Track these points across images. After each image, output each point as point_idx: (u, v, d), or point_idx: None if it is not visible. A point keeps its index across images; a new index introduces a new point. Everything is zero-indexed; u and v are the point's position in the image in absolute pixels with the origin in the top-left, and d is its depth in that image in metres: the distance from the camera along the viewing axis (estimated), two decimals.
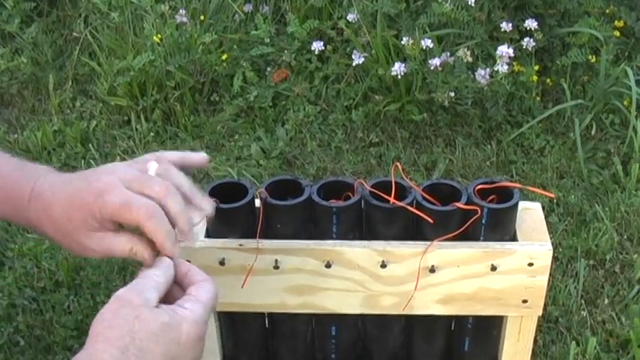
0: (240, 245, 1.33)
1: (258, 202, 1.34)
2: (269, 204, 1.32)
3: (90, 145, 2.34)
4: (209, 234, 1.36)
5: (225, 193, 1.33)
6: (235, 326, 1.47)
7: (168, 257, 1.11)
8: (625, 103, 2.33)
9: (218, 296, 1.11)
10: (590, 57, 2.38)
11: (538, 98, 2.38)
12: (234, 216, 1.33)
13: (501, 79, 2.21)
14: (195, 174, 2.20)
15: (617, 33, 2.44)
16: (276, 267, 1.34)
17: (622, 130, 2.33)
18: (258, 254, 1.33)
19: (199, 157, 1.28)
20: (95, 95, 2.56)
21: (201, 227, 1.37)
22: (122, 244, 1.10)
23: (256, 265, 1.34)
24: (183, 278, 1.12)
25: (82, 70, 2.67)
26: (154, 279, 1.07)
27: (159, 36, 2.43)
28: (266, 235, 1.35)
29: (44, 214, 1.13)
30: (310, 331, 1.49)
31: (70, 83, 2.62)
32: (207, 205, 1.21)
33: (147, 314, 1.00)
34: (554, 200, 2.06)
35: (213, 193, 1.33)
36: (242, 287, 1.35)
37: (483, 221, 1.32)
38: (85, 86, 2.63)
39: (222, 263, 1.34)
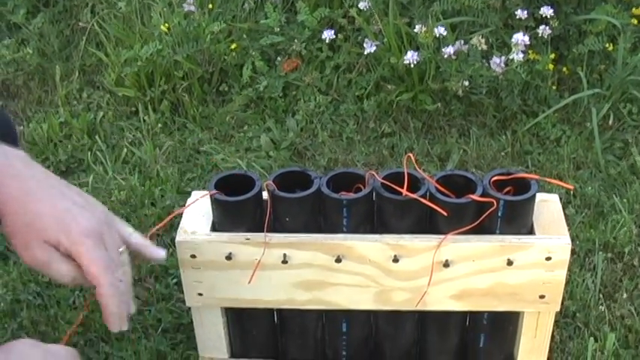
0: (247, 239, 1.30)
1: (265, 195, 1.30)
2: (277, 196, 1.28)
3: (97, 136, 2.30)
4: (215, 227, 1.33)
5: (231, 185, 1.30)
6: (243, 322, 1.44)
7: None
8: None
9: None
10: (607, 45, 2.33)
11: (554, 87, 2.33)
12: (241, 209, 1.30)
13: (517, 67, 2.16)
14: (203, 164, 2.17)
15: (635, 21, 2.39)
16: (285, 262, 1.31)
17: None
18: (266, 248, 1.30)
19: (158, 254, 1.24)
20: (102, 86, 2.52)
21: (207, 221, 1.33)
22: (66, 270, 1.11)
23: (264, 259, 1.30)
24: None
25: (89, 61, 2.63)
26: None
27: (166, 25, 2.39)
28: (274, 229, 1.32)
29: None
30: (320, 328, 1.46)
31: (77, 74, 2.58)
32: (160, 253, 1.22)
33: None
34: (571, 192, 2.01)
35: (218, 185, 1.29)
36: (249, 283, 1.32)
37: (499, 214, 1.28)
38: (92, 77, 2.59)
39: (228, 258, 1.31)
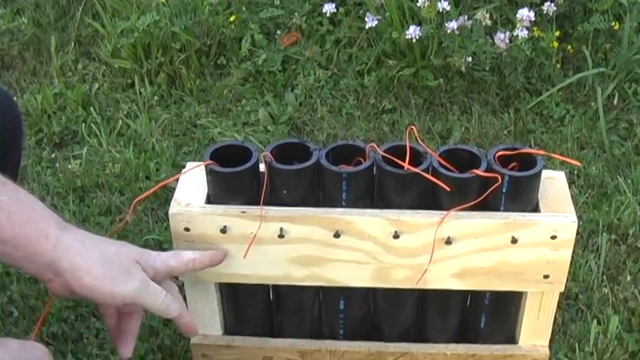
0: (243, 212, 1.26)
1: (262, 167, 1.26)
2: (274, 168, 1.24)
3: (92, 108, 2.25)
4: (210, 200, 1.29)
5: (227, 156, 1.26)
6: (237, 298, 1.40)
7: None
8: None
9: None
10: (613, 24, 2.29)
11: (558, 65, 2.29)
12: (237, 181, 1.26)
13: (521, 43, 2.12)
14: (200, 138, 2.13)
15: None
16: (281, 236, 1.27)
17: None
18: (262, 222, 1.26)
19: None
20: (98, 57, 2.48)
21: (202, 193, 1.29)
22: (158, 286, 1.19)
23: (260, 233, 1.26)
24: None
25: (85, 32, 2.59)
26: None
27: None
28: (271, 202, 1.28)
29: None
30: (317, 305, 1.42)
31: (73, 45, 2.54)
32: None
33: None
34: (575, 172, 1.97)
35: (214, 156, 1.25)
36: (244, 257, 1.28)
37: (504, 190, 1.24)
38: (87, 48, 2.55)
39: (223, 231, 1.27)
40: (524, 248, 1.26)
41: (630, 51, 2.26)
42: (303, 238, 1.27)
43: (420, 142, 1.26)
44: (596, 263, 1.76)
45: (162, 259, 1.21)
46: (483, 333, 1.41)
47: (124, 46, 2.38)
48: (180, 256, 1.24)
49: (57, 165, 2.06)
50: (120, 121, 2.20)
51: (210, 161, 1.24)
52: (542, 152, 1.25)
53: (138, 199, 1.35)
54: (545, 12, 2.23)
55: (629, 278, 1.73)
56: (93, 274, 1.13)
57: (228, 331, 1.45)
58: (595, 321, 1.62)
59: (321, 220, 1.25)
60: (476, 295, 1.38)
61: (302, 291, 1.37)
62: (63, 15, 2.68)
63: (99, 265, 1.13)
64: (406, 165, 1.22)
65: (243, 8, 2.42)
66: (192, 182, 1.31)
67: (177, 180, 1.32)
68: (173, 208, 1.27)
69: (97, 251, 1.14)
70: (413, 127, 1.28)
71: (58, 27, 2.63)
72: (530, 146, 2.09)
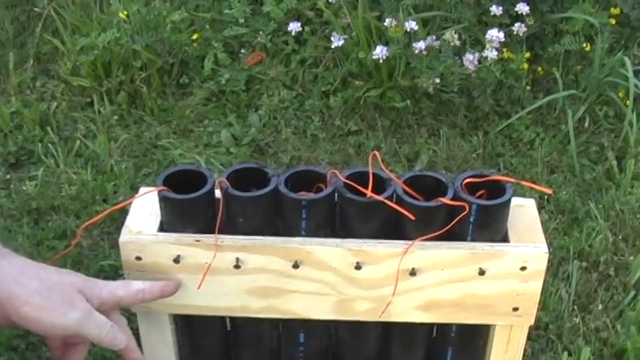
0: (197, 241, 1.20)
1: (218, 193, 1.20)
2: (230, 195, 1.18)
3: (49, 128, 2.19)
4: (163, 228, 1.22)
5: (181, 181, 1.19)
6: (193, 330, 1.34)
7: None
8: (620, 94, 2.20)
9: None
10: (584, 45, 2.25)
11: (528, 88, 2.25)
12: (191, 208, 1.20)
13: (490, 65, 2.07)
14: (160, 160, 2.07)
15: (613, 21, 2.31)
16: (238, 266, 1.20)
17: (616, 124, 2.21)
18: (218, 252, 1.19)
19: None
20: (57, 75, 2.41)
21: (155, 220, 1.23)
22: (103, 316, 1.14)
23: (215, 263, 1.20)
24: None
25: (44, 49, 2.52)
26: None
27: (125, 13, 2.29)
28: (226, 231, 1.21)
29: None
30: (276, 337, 1.36)
31: (32, 62, 2.47)
32: None
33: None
34: (545, 197, 1.93)
35: (168, 181, 1.19)
36: (198, 288, 1.22)
37: (471, 219, 1.18)
38: (46, 65, 2.48)
39: (176, 261, 1.20)
40: (493, 280, 1.21)
41: (601, 73, 2.23)
42: (260, 269, 1.21)
43: (384, 168, 1.21)
44: (566, 292, 1.71)
45: (110, 289, 1.16)
46: None
47: (84, 64, 2.32)
48: (129, 287, 1.18)
49: (11, 186, 2.00)
50: (78, 141, 2.14)
51: (162, 187, 1.17)
52: (511, 179, 1.19)
53: (85, 225, 1.29)
54: (515, 33, 2.19)
55: (600, 307, 1.68)
56: (32, 303, 1.07)
57: None
58: (566, 353, 1.57)
59: (280, 250, 1.19)
60: (442, 327, 1.32)
61: (260, 323, 1.31)
62: (22, 31, 2.62)
63: (38, 294, 1.08)
64: (369, 192, 1.16)
65: (207, 26, 2.38)
66: (144, 208, 1.25)
67: (130, 204, 1.26)
68: (124, 236, 1.21)
69: (36, 280, 1.09)
70: (376, 152, 1.22)
71: (16, 43, 2.57)
72: (499, 170, 2.04)
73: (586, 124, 2.20)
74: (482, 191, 1.20)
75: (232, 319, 1.33)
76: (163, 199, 1.19)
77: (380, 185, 1.19)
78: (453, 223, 1.18)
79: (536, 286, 1.22)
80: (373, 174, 1.18)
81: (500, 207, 1.18)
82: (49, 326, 1.09)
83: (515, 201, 1.24)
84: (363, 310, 1.25)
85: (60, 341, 1.20)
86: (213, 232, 1.19)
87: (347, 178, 1.19)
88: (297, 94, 2.29)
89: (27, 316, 1.08)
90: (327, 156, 2.09)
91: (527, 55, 2.22)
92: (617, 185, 2.01)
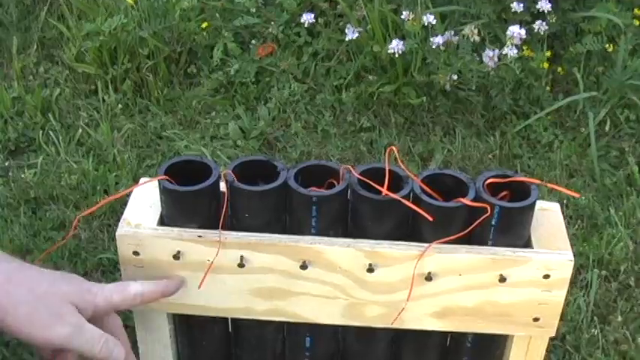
0: (200, 237, 1.13)
1: (223, 186, 1.13)
2: (236, 188, 1.11)
3: (51, 115, 2.13)
4: (163, 221, 1.15)
5: (184, 172, 1.13)
6: (192, 331, 1.27)
7: None
8: None
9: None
10: (607, 45, 2.18)
11: (548, 88, 2.18)
12: (194, 201, 1.13)
13: (510, 62, 2.00)
14: (164, 151, 2.01)
15: (637, 22, 2.25)
16: (242, 265, 1.14)
17: (637, 128, 2.14)
18: (221, 248, 1.13)
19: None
20: (61, 61, 2.36)
21: (155, 213, 1.16)
22: (96, 330, 1.08)
23: (218, 261, 1.14)
24: None
25: (49, 34, 2.46)
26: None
27: None
28: (231, 226, 1.15)
29: None
30: (281, 341, 1.30)
31: (36, 47, 2.41)
32: None
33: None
34: (564, 201, 1.85)
35: (170, 172, 1.12)
36: (199, 287, 1.15)
37: (493, 222, 1.12)
38: (51, 51, 2.42)
39: (176, 257, 1.14)
40: (514, 288, 1.14)
41: (624, 75, 2.16)
42: (266, 268, 1.14)
43: (401, 164, 1.14)
44: (585, 301, 1.64)
45: (105, 296, 1.09)
46: None
47: (89, 50, 2.26)
48: (126, 291, 1.11)
49: (10, 174, 1.93)
50: (80, 130, 2.08)
51: (164, 176, 1.10)
52: (537, 181, 1.12)
53: (82, 214, 1.22)
54: (536, 31, 2.12)
55: (620, 318, 1.61)
56: (16, 315, 1.01)
57: None
58: None
59: (287, 249, 1.12)
60: (457, 336, 1.26)
61: (264, 326, 1.25)
62: (27, 15, 2.56)
63: (24, 305, 1.02)
64: (384, 190, 1.10)
65: (217, 15, 2.31)
66: (144, 200, 1.18)
67: (128, 195, 1.19)
68: (121, 229, 1.14)
69: (24, 289, 1.02)
70: (393, 147, 1.14)
71: (20, 27, 2.51)
72: (517, 172, 1.97)
73: (607, 128, 2.13)
74: (504, 193, 1.14)
75: (234, 320, 1.27)
76: (164, 191, 1.12)
77: (396, 183, 1.12)
78: (473, 225, 1.11)
79: (559, 296, 1.15)
80: (390, 171, 1.11)
81: (524, 210, 1.11)
82: (35, 340, 1.03)
83: (540, 204, 1.17)
84: (374, 315, 1.18)
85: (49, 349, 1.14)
86: (216, 228, 1.13)
87: (361, 174, 1.12)
88: (309, 88, 2.23)
89: (10, 328, 1.02)
90: (338, 152, 2.03)
91: (548, 54, 2.15)
92: (638, 192, 1.94)
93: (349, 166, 1.12)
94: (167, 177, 1.11)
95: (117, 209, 1.78)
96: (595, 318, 1.61)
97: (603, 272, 1.71)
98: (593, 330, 1.59)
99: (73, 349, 1.06)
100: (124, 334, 1.15)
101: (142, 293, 1.11)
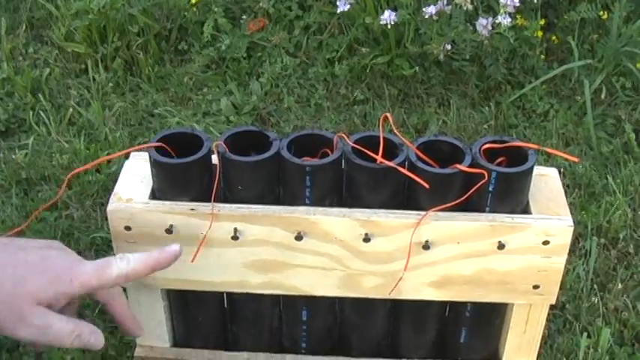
0: (192, 210, 1.11)
1: (215, 159, 1.11)
2: (228, 160, 1.09)
3: (41, 95, 2.10)
4: (155, 195, 1.13)
5: (175, 144, 1.11)
6: (187, 306, 1.26)
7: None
8: (638, 65, 2.11)
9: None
10: (601, 13, 2.16)
11: (542, 56, 2.16)
12: (186, 173, 1.11)
13: (504, 31, 1.98)
14: (157, 128, 1.99)
15: None
16: (235, 237, 1.12)
17: (634, 95, 2.11)
18: (214, 221, 1.11)
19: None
20: (51, 41, 2.33)
21: (146, 187, 1.14)
22: (66, 326, 1.03)
23: (211, 234, 1.12)
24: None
25: (37, 14, 2.44)
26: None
27: None
28: (224, 199, 1.13)
29: None
30: (277, 315, 1.29)
31: (24, 27, 2.38)
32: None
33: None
34: (561, 170, 1.83)
35: (161, 143, 1.10)
36: (192, 261, 1.13)
37: (490, 188, 1.10)
38: (40, 31, 2.40)
39: (169, 231, 1.12)
40: (513, 255, 1.12)
41: (619, 42, 2.13)
42: (260, 241, 1.12)
43: (396, 132, 1.12)
44: (584, 269, 1.62)
45: (82, 281, 1.02)
46: (464, 348, 1.28)
47: (78, 29, 2.23)
48: (106, 274, 1.03)
49: (1, 155, 1.91)
50: (71, 109, 2.05)
51: (155, 143, 1.08)
52: (534, 145, 1.11)
53: (73, 172, 1.19)
54: None
55: (620, 286, 1.59)
56: None
57: (177, 342, 1.31)
58: (585, 334, 1.48)
59: (281, 220, 1.11)
60: (456, 306, 1.24)
61: (259, 299, 1.23)
62: None
63: None
64: (379, 158, 1.08)
65: None
66: (135, 174, 1.16)
67: (126, 156, 1.17)
68: (112, 204, 1.12)
69: None
70: (387, 115, 1.12)
71: (9, 8, 2.48)
72: (514, 138, 1.95)
73: (602, 96, 2.11)
74: (501, 158, 1.12)
75: (230, 294, 1.25)
76: (155, 164, 1.10)
77: (391, 151, 1.10)
78: (470, 192, 1.10)
79: (559, 262, 1.14)
80: (384, 138, 1.09)
81: (522, 175, 1.09)
82: (5, 335, 1.01)
83: (537, 170, 1.16)
84: (371, 286, 1.17)
85: None
86: (209, 201, 1.11)
87: (356, 142, 1.10)
88: (301, 62, 2.21)
89: None
90: (332, 126, 2.01)
91: (542, 22, 2.13)
92: (635, 159, 1.92)
93: (343, 134, 1.10)
94: (159, 144, 1.09)
95: (109, 187, 1.75)
96: (595, 286, 1.59)
97: (602, 240, 1.69)
98: (593, 298, 1.57)
99: (43, 344, 1.03)
100: (122, 297, 1.13)
101: (125, 274, 1.03)
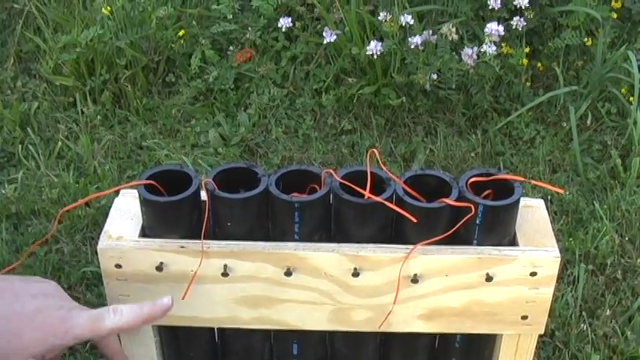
0: (182, 247, 1.11)
1: (204, 195, 1.12)
2: (217, 197, 1.09)
3: (30, 129, 2.11)
4: (145, 233, 1.14)
5: (165, 182, 1.11)
6: (179, 342, 1.25)
7: None
8: (622, 90, 2.12)
9: None
10: (585, 39, 2.18)
11: (528, 84, 2.18)
12: (175, 211, 1.11)
13: (489, 60, 1.99)
14: (145, 161, 1.99)
15: (615, 15, 2.24)
16: (226, 274, 1.12)
17: (619, 121, 2.13)
18: (204, 258, 1.11)
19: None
20: (39, 74, 2.34)
21: (136, 224, 1.15)
22: None
23: (201, 271, 1.12)
24: None
25: (25, 47, 2.45)
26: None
27: (109, 8, 2.21)
28: (213, 236, 1.13)
29: None
30: (268, 349, 1.28)
31: (12, 61, 2.39)
32: None
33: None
34: (548, 197, 1.85)
35: (150, 181, 1.10)
36: (183, 298, 1.13)
37: (478, 221, 1.10)
38: (28, 64, 2.41)
39: (159, 269, 1.12)
40: (500, 286, 1.13)
41: (604, 68, 2.15)
42: (250, 277, 1.12)
43: (383, 167, 1.12)
44: (572, 296, 1.63)
45: (76, 334, 1.02)
46: None
47: (66, 62, 2.25)
48: (101, 328, 1.03)
49: None
50: (59, 143, 2.06)
51: (144, 181, 1.09)
52: (520, 178, 1.11)
53: (63, 210, 1.20)
54: (514, 27, 2.11)
55: (608, 312, 1.61)
56: None
57: None
58: None
59: (271, 256, 1.11)
60: (445, 338, 1.24)
61: (250, 334, 1.23)
62: (3, 29, 2.54)
63: None
64: (367, 193, 1.08)
65: (194, 22, 2.30)
66: (125, 212, 1.17)
67: (116, 192, 1.18)
68: (102, 242, 1.12)
69: None
70: (374, 150, 1.13)
71: None
72: (500, 170, 1.96)
73: (588, 122, 2.13)
74: (488, 191, 1.12)
75: (221, 330, 1.25)
76: (145, 202, 1.10)
77: (379, 185, 1.11)
78: (457, 225, 1.10)
79: (546, 293, 1.14)
80: (371, 173, 1.10)
81: (508, 208, 1.10)
82: None
83: (524, 201, 1.16)
84: (361, 319, 1.17)
85: None
86: (198, 238, 1.11)
87: (343, 177, 1.10)
88: (288, 92, 2.22)
89: None
90: (320, 156, 2.02)
91: (527, 50, 2.14)
92: (622, 184, 1.93)
93: (330, 170, 1.11)
94: (148, 182, 1.09)
95: (99, 222, 1.76)
96: (583, 313, 1.60)
97: (590, 267, 1.70)
98: (582, 325, 1.58)
99: None
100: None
101: (118, 327, 1.04)
